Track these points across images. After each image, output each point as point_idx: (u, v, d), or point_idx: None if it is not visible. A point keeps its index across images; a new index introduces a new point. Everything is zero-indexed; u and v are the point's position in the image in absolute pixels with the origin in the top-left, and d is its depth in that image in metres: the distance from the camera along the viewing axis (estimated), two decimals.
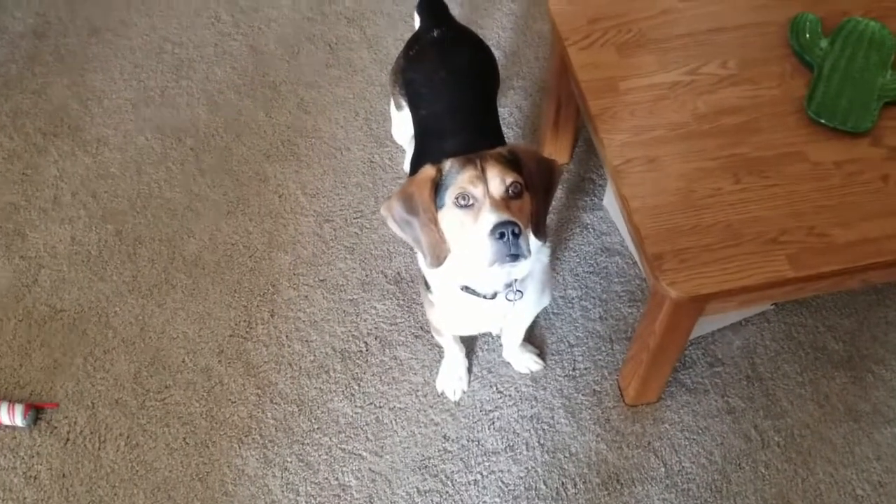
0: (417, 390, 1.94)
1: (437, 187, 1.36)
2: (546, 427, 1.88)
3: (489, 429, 1.88)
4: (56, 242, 2.20)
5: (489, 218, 1.28)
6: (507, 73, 2.51)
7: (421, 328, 2.02)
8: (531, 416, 1.89)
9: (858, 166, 1.63)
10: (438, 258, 1.39)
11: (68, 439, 1.88)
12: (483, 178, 1.32)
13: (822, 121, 1.66)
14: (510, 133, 2.38)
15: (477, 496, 1.79)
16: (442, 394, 1.93)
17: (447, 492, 1.80)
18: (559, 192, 2.25)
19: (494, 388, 1.94)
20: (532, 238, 1.43)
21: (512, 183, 1.33)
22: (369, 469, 1.83)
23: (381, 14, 2.69)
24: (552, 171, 1.47)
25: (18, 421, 1.88)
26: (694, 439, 1.85)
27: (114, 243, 2.20)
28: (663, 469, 1.82)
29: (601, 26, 1.87)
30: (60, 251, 2.19)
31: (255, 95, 2.50)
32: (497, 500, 1.78)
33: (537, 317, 1.96)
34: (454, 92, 1.76)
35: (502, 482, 1.81)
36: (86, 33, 2.68)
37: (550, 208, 1.54)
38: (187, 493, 1.80)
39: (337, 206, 2.25)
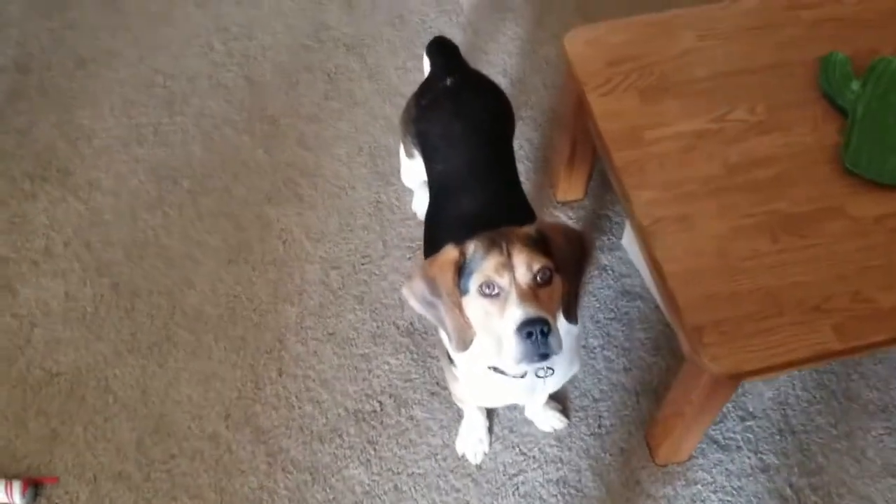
0: (437, 453, 1.85)
1: (461, 270, 1.26)
2: (573, 491, 1.79)
3: (514, 495, 1.79)
4: (49, 298, 2.09)
5: (516, 314, 1.18)
6: (515, 102, 2.38)
7: (437, 384, 1.93)
8: (557, 480, 1.81)
9: None
10: (465, 343, 1.30)
11: None
12: (510, 264, 1.22)
13: (859, 172, 1.57)
14: (522, 167, 2.27)
15: None
16: (462, 456, 1.83)
17: None
18: None
19: (517, 450, 1.85)
20: (562, 321, 1.34)
21: (541, 269, 1.23)
22: None
23: (381, 40, 2.56)
24: (584, 245, 1.37)
25: (17, 499, 1.78)
26: (728, 501, 1.77)
27: (110, 298, 2.09)
28: None
29: (621, 69, 1.76)
30: (54, 308, 2.07)
31: (254, 131, 2.38)
32: None
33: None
34: (471, 146, 1.66)
35: None
36: (71, 65, 2.54)
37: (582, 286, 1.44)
38: None
39: (343, 252, 2.15)
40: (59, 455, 1.86)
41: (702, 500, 1.77)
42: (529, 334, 1.16)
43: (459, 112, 1.69)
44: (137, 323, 2.05)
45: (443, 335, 1.42)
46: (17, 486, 1.78)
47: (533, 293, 1.21)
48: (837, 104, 1.69)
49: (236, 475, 1.83)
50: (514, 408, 1.90)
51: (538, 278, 1.23)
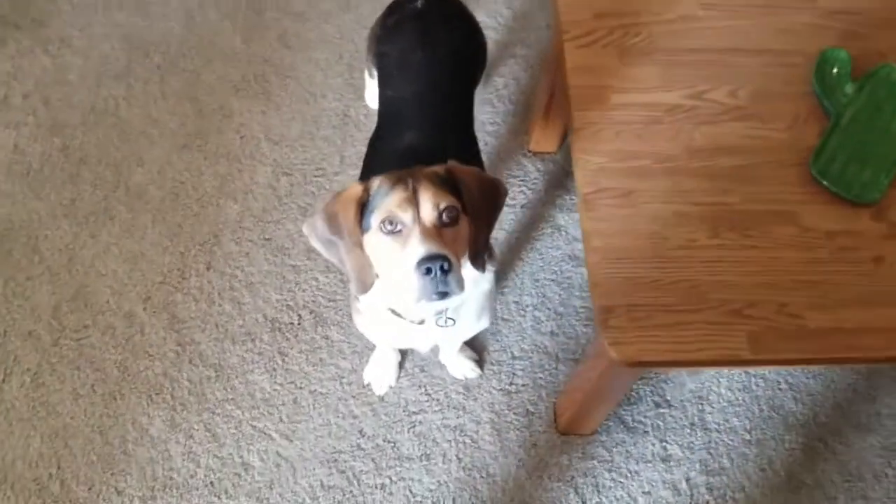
0: (343, 377, 1.83)
1: (364, 208, 1.20)
2: (468, 441, 1.77)
3: (408, 432, 1.78)
4: None
5: (416, 250, 1.13)
6: (511, 37, 2.30)
7: None
8: (455, 427, 1.79)
9: (852, 241, 1.45)
10: (365, 284, 1.24)
11: None
12: (414, 200, 1.16)
13: (825, 182, 1.48)
14: (502, 108, 2.19)
15: (381, 501, 1.71)
16: (367, 385, 1.82)
17: (351, 491, 1.71)
18: (538, 185, 2.08)
19: (423, 390, 1.82)
20: (469, 267, 1.28)
21: (446, 208, 1.17)
22: (276, 452, 1.74)
23: None
24: (497, 193, 1.31)
25: None
26: (620, 482, 1.75)
27: (58, 159, 2.05)
28: None
29: (608, 24, 1.66)
30: (1, 159, 2.04)
31: (237, 18, 2.29)
32: None
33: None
34: (428, 78, 1.57)
35: (410, 491, 1.72)
36: None
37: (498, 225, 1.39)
38: (85, 445, 1.72)
39: (299, 159, 2.09)
40: None
41: (594, 476, 1.75)
42: (429, 270, 1.11)
43: (425, 39, 1.60)
44: (80, 189, 2.01)
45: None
46: None
47: (437, 231, 1.16)
48: (824, 105, 1.58)
49: (143, 357, 1.82)
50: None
51: (443, 217, 1.17)
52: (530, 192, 2.07)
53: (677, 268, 1.41)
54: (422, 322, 1.37)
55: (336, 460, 1.74)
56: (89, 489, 1.68)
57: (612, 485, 1.75)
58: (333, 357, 1.85)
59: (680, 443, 1.80)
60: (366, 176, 1.44)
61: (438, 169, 1.23)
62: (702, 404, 1.84)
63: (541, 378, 1.85)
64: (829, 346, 1.36)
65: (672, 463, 1.78)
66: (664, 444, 1.79)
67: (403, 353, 1.84)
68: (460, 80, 1.62)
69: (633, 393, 1.84)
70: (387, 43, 1.63)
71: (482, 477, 1.74)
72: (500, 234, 2.01)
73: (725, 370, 1.87)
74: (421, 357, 1.85)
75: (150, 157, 2.07)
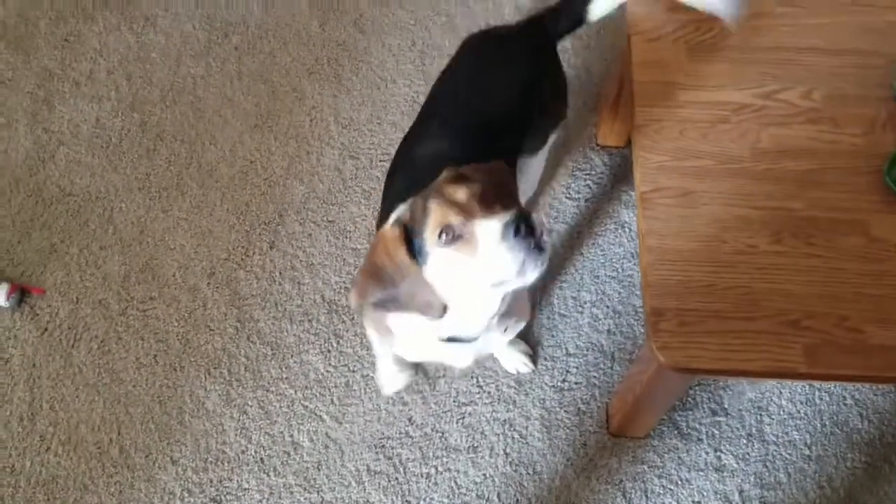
0: None
1: (409, 244, 1.14)
2: (517, 436, 1.76)
3: (457, 423, 1.78)
4: (81, 121, 2.15)
5: (491, 226, 1.06)
6: (587, 28, 2.24)
7: None
8: (504, 421, 1.78)
9: None
10: (439, 311, 1.17)
11: (46, 329, 1.88)
12: (453, 202, 1.11)
13: None
14: (572, 100, 2.12)
15: (426, 490, 1.72)
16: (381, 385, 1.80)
17: (397, 478, 1.73)
18: (604, 179, 2.04)
19: (475, 381, 1.82)
20: None
21: (479, 190, 1.13)
22: (326, 434, 1.77)
23: None
24: (502, 172, 1.27)
25: (2, 300, 1.88)
26: (670, 489, 1.71)
27: (136, 134, 2.13)
28: None
29: (679, 18, 1.60)
30: (83, 131, 2.13)
31: (314, 1, 2.32)
32: (445, 500, 1.70)
33: (540, 314, 1.82)
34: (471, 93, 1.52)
35: (455, 483, 1.72)
36: None
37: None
38: (144, 413, 1.79)
39: (366, 144, 2.10)
40: (51, 270, 1.95)
41: (643, 481, 1.71)
42: (517, 230, 1.04)
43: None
44: (154, 164, 2.09)
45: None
46: (4, 288, 1.88)
47: (489, 207, 1.11)
48: None
49: (203, 331, 1.88)
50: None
51: (485, 198, 1.12)
52: (595, 187, 2.03)
53: (733, 273, 1.36)
54: (476, 339, 1.34)
55: (384, 446, 1.76)
56: (146, 457, 1.75)
57: (662, 491, 1.71)
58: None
59: (735, 453, 1.74)
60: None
61: (446, 173, 1.19)
62: (761, 415, 1.78)
63: (595, 377, 1.82)
64: (891, 363, 1.29)
65: (725, 473, 1.72)
66: (718, 453, 1.74)
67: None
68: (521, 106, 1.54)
69: (688, 398, 1.79)
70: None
71: (528, 474, 1.72)
72: (560, 226, 1.98)
73: (788, 382, 1.80)
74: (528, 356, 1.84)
75: (223, 135, 2.12)
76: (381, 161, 2.07)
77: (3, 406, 1.80)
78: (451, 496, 1.71)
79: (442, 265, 1.13)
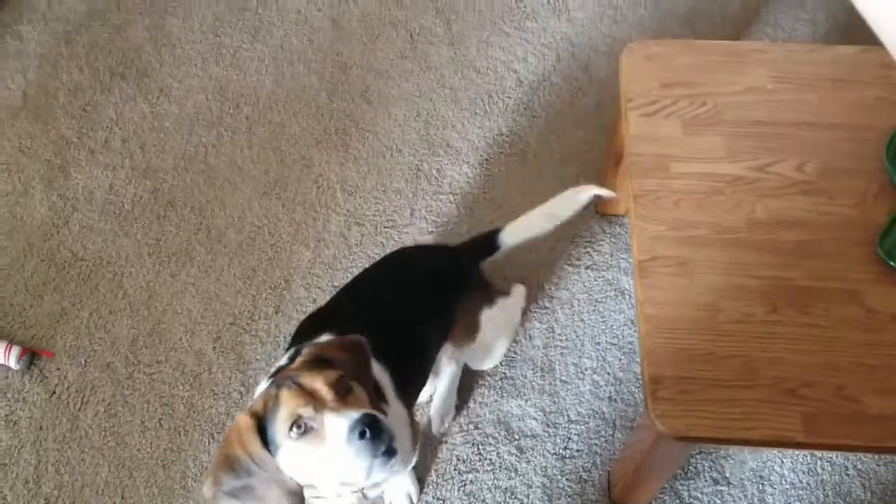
0: None
1: (262, 433, 1.13)
2: None
3: (459, 490, 1.78)
4: (95, 188, 2.21)
5: (339, 423, 1.08)
6: (587, 100, 2.33)
7: None
8: (506, 489, 1.78)
9: None
10: (301, 499, 1.17)
11: (54, 392, 1.91)
12: (306, 394, 1.12)
13: (892, 263, 1.43)
14: (571, 169, 2.21)
15: None
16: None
17: None
18: (604, 247, 2.08)
19: (477, 448, 1.83)
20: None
21: (336, 380, 1.14)
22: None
23: (473, 11, 2.52)
24: (360, 346, 1.31)
25: (13, 363, 1.92)
26: None
27: (147, 201, 2.19)
28: None
29: (673, 94, 1.66)
30: (97, 198, 2.19)
31: (324, 74, 2.41)
32: None
33: (543, 381, 1.84)
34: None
35: None
36: None
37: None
38: (148, 477, 1.80)
39: (371, 210, 2.16)
40: (61, 333, 1.99)
41: None
42: (362, 434, 1.07)
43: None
44: (164, 230, 2.14)
45: None
46: (15, 352, 1.92)
47: (342, 402, 1.13)
48: (895, 183, 1.54)
49: (209, 396, 1.90)
50: (485, 404, 1.88)
51: (339, 390, 1.14)
52: (595, 254, 2.07)
53: (731, 342, 1.39)
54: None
55: None
56: None
57: None
58: None
59: None
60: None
61: (303, 358, 1.22)
62: (762, 484, 1.77)
63: (596, 445, 1.83)
64: (889, 433, 1.30)
65: None
66: None
67: (462, 398, 1.85)
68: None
69: (690, 467, 1.79)
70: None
71: None
72: (563, 293, 2.01)
73: (789, 451, 1.80)
74: (476, 414, 1.86)
75: (232, 202, 2.18)
76: (385, 227, 2.12)
77: (9, 468, 1.81)
78: None
79: (293, 458, 1.12)
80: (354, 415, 1.08)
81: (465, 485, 1.79)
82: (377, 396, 1.30)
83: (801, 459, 1.79)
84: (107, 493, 1.78)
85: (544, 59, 2.41)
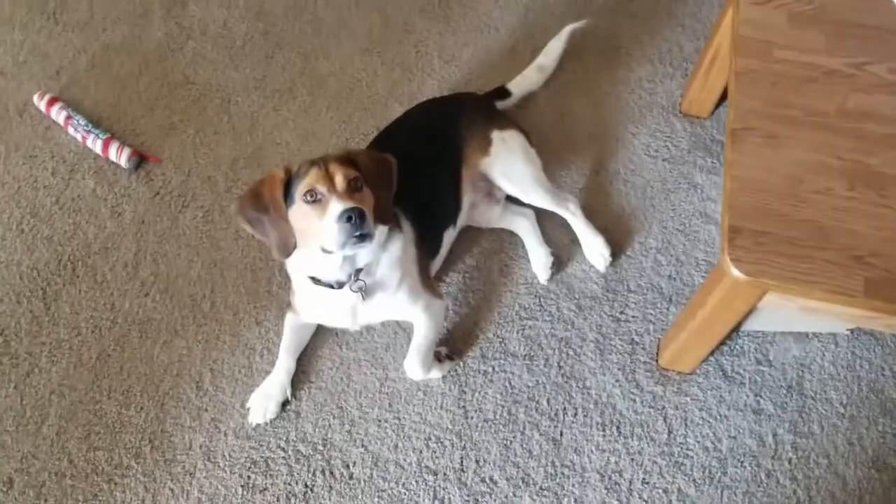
0: (467, 272, 1.99)
1: (287, 188, 1.52)
2: (571, 353, 1.90)
3: (517, 333, 1.92)
4: (210, 21, 2.34)
5: (337, 206, 1.46)
6: (682, 8, 2.41)
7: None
8: (561, 338, 1.91)
9: None
10: (287, 250, 1.55)
11: (158, 193, 2.06)
12: (328, 176, 1.50)
13: None
14: (661, 69, 2.30)
15: (482, 384, 1.85)
16: (247, 410, 1.83)
17: (457, 370, 1.87)
18: (682, 143, 2.18)
19: (538, 300, 1.96)
20: (378, 232, 1.57)
21: (353, 178, 1.51)
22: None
23: None
24: (389, 167, 1.63)
25: (123, 161, 2.07)
26: (709, 422, 1.83)
27: (258, 40, 2.32)
28: (666, 435, 1.81)
29: None
30: (211, 31, 2.32)
31: None
32: (498, 396, 1.84)
33: (614, 249, 1.96)
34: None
35: (509, 383, 1.86)
36: None
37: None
38: (237, 278, 1.96)
39: (464, 79, 2.27)
40: (168, 144, 2.14)
41: (685, 411, 1.84)
42: (349, 219, 1.43)
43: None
44: (271, 69, 2.27)
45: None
46: (126, 152, 2.07)
47: (349, 195, 1.49)
48: None
49: None
50: (562, 246, 2.00)
51: (351, 185, 1.51)
52: (673, 148, 2.17)
53: (809, 209, 1.49)
54: (340, 286, 1.63)
55: (447, 341, 1.90)
56: (234, 315, 1.91)
57: (701, 422, 1.83)
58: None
59: (774, 400, 1.86)
60: None
61: (340, 153, 1.58)
62: (802, 371, 1.89)
63: (651, 314, 1.95)
64: None
65: (763, 416, 1.84)
66: (758, 398, 1.86)
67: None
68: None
69: (736, 345, 1.91)
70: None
71: (578, 387, 1.86)
72: (637, 179, 2.12)
73: (832, 346, 1.92)
74: (551, 270, 1.98)
75: (335, 53, 2.30)
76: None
77: (111, 251, 1.98)
78: (504, 393, 1.84)
79: (299, 213, 1.51)
80: (350, 204, 1.46)
81: (524, 329, 1.93)
82: (381, 208, 1.59)
83: (841, 355, 1.91)
84: (198, 285, 1.94)
85: None
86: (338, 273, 1.61)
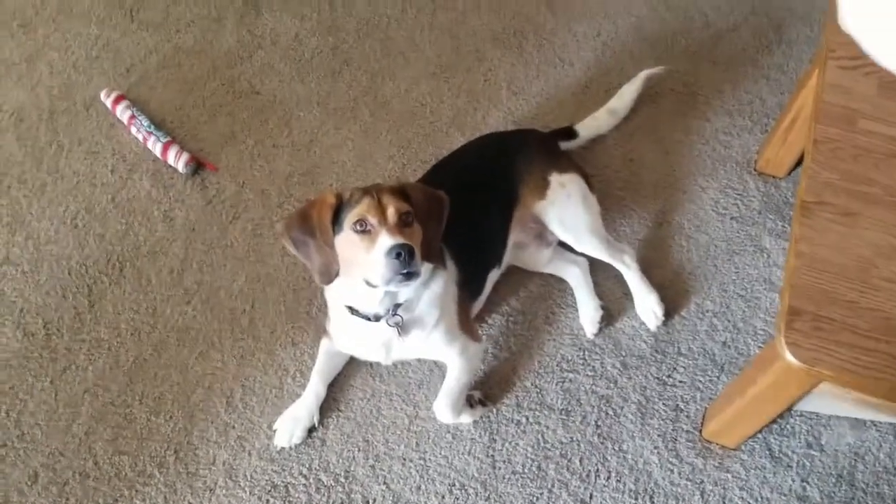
0: (511, 315, 1.93)
1: (336, 213, 1.49)
2: (611, 413, 1.81)
3: (557, 385, 1.85)
4: (282, 32, 2.34)
5: (387, 241, 1.43)
6: (770, 60, 2.31)
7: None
8: (602, 396, 1.83)
9: None
10: (329, 276, 1.51)
11: (211, 202, 2.06)
12: (380, 207, 1.47)
13: None
14: (740, 121, 2.20)
15: (514, 434, 1.79)
16: (273, 432, 1.79)
17: (489, 416, 1.81)
18: (754, 203, 2.08)
19: (582, 353, 1.89)
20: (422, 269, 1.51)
21: (405, 212, 1.48)
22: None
23: None
24: (441, 204, 1.59)
25: (180, 166, 2.08)
26: (748, 503, 1.73)
27: (326, 56, 2.30)
28: None
29: None
30: (282, 42, 2.32)
31: None
32: (529, 449, 1.77)
33: (668, 308, 1.88)
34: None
35: (542, 437, 1.79)
36: None
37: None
38: (279, 296, 1.94)
39: (531, 113, 2.21)
40: (226, 153, 2.14)
41: (724, 488, 1.74)
42: (398, 255, 1.41)
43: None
44: (336, 86, 2.25)
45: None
46: (184, 157, 2.08)
47: (399, 229, 1.46)
48: None
49: None
50: (613, 299, 1.93)
51: (402, 219, 1.47)
52: (744, 208, 2.07)
53: (879, 298, 1.39)
54: (377, 319, 1.59)
55: (483, 384, 1.84)
56: (271, 333, 1.89)
57: (740, 502, 1.73)
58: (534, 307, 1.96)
59: (822, 489, 1.74)
60: None
61: (394, 185, 1.54)
62: (855, 461, 1.77)
63: (699, 381, 1.86)
64: None
65: None
66: (805, 483, 1.75)
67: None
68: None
69: (787, 425, 1.80)
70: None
71: (614, 449, 1.77)
72: (701, 236, 2.03)
73: (890, 437, 1.79)
74: (600, 324, 1.90)
75: (402, 75, 2.27)
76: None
77: (158, 256, 1.98)
78: (535, 447, 1.77)
79: (346, 242, 1.48)
80: (400, 240, 1.43)
81: (563, 381, 1.85)
82: (429, 244, 1.55)
83: None
84: (240, 298, 1.93)
85: (738, 9, 2.39)
86: (377, 306, 1.57)
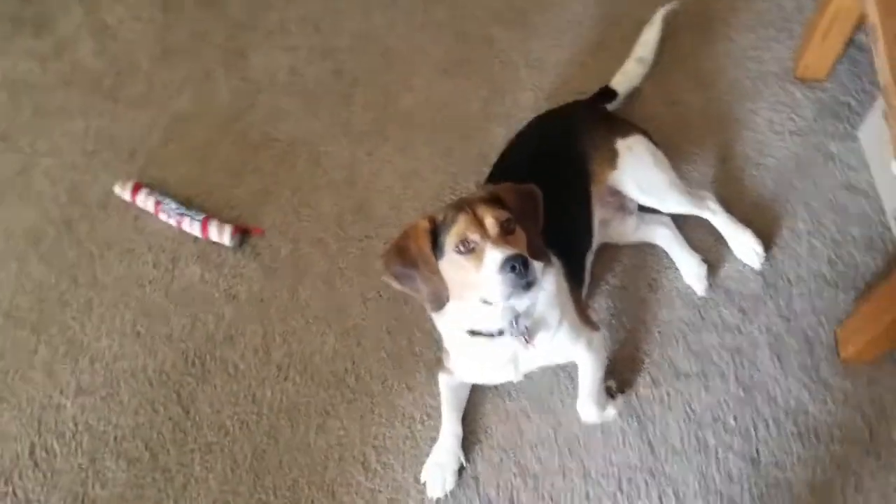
0: (625, 287, 1.86)
1: (434, 238, 1.39)
2: (746, 363, 1.76)
3: (683, 350, 1.79)
4: (276, 69, 2.20)
5: (496, 255, 1.33)
6: None
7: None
8: (732, 348, 1.78)
9: None
10: (440, 304, 1.42)
11: (270, 267, 1.94)
12: (478, 221, 1.37)
13: None
14: (764, 34, 2.15)
15: (660, 414, 1.73)
16: (423, 484, 1.70)
17: (629, 402, 1.74)
18: (807, 112, 2.03)
19: (698, 311, 1.82)
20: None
21: (505, 220, 1.38)
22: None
23: None
24: (534, 198, 1.49)
25: (226, 240, 1.94)
26: None
27: (331, 81, 2.18)
28: (868, 434, 1.68)
29: None
30: (280, 79, 2.19)
31: None
32: (681, 423, 1.71)
33: (764, 241, 1.83)
34: None
35: (689, 406, 1.73)
36: None
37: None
38: (376, 344, 1.83)
39: (558, 82, 2.13)
40: (267, 211, 2.01)
41: (881, 403, 1.70)
42: (513, 268, 1.31)
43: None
44: (352, 110, 2.14)
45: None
46: (227, 229, 1.94)
47: (503, 239, 1.36)
48: None
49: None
50: (707, 248, 1.86)
51: (504, 227, 1.37)
52: (799, 120, 2.02)
53: None
54: (500, 333, 1.49)
55: (612, 371, 1.78)
56: (382, 384, 1.79)
57: None
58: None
59: None
60: None
61: (483, 193, 1.45)
62: None
63: (819, 305, 1.81)
64: None
65: None
66: None
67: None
68: None
69: None
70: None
71: (763, 397, 1.72)
72: (768, 160, 1.98)
73: None
74: (707, 278, 1.84)
75: (415, 82, 2.17)
76: (575, 98, 2.09)
77: (236, 339, 1.86)
78: (686, 419, 1.71)
79: (452, 265, 1.39)
80: (510, 252, 1.32)
81: (689, 345, 1.79)
82: (534, 245, 1.44)
83: None
84: (337, 359, 1.82)
85: None
86: (499, 322, 1.48)
